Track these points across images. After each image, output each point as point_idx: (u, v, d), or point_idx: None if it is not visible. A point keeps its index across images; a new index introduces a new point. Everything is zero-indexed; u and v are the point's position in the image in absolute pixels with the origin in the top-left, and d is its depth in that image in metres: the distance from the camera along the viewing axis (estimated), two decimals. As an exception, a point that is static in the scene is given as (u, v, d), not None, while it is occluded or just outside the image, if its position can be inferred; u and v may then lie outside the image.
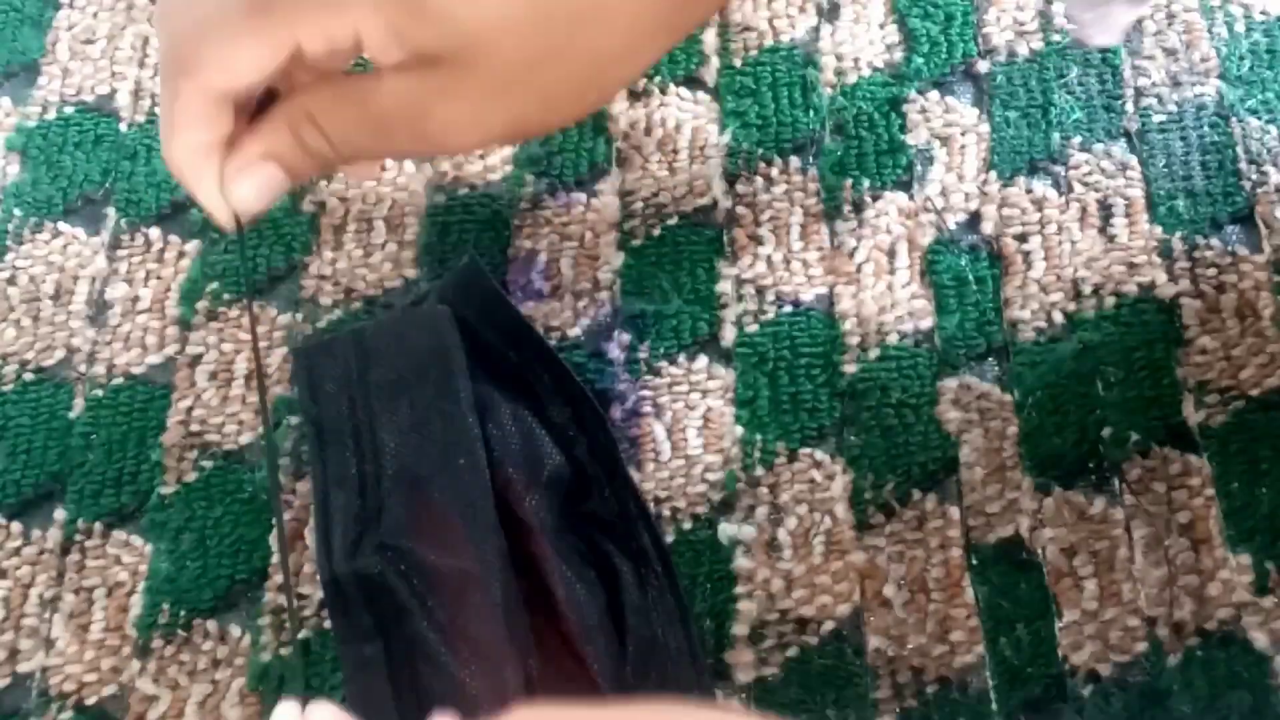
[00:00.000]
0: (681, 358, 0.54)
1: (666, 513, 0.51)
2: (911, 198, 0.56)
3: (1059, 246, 0.55)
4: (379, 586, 0.45)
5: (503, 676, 0.44)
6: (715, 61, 0.60)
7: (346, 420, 0.48)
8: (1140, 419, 0.51)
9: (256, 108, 0.38)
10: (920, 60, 0.59)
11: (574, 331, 0.55)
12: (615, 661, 0.46)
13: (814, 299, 0.55)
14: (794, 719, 0.46)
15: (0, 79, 0.64)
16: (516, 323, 0.51)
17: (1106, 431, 0.51)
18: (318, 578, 0.48)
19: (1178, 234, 0.54)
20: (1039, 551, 0.49)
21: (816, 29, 0.61)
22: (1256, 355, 0.52)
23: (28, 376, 0.56)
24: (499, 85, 0.35)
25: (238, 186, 0.37)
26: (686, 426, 0.53)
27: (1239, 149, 0.56)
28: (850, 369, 0.53)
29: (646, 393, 0.53)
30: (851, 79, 0.59)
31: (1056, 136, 0.57)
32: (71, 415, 0.55)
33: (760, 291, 0.55)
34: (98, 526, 0.53)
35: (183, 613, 0.51)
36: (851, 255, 0.55)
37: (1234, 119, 0.56)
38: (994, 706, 0.47)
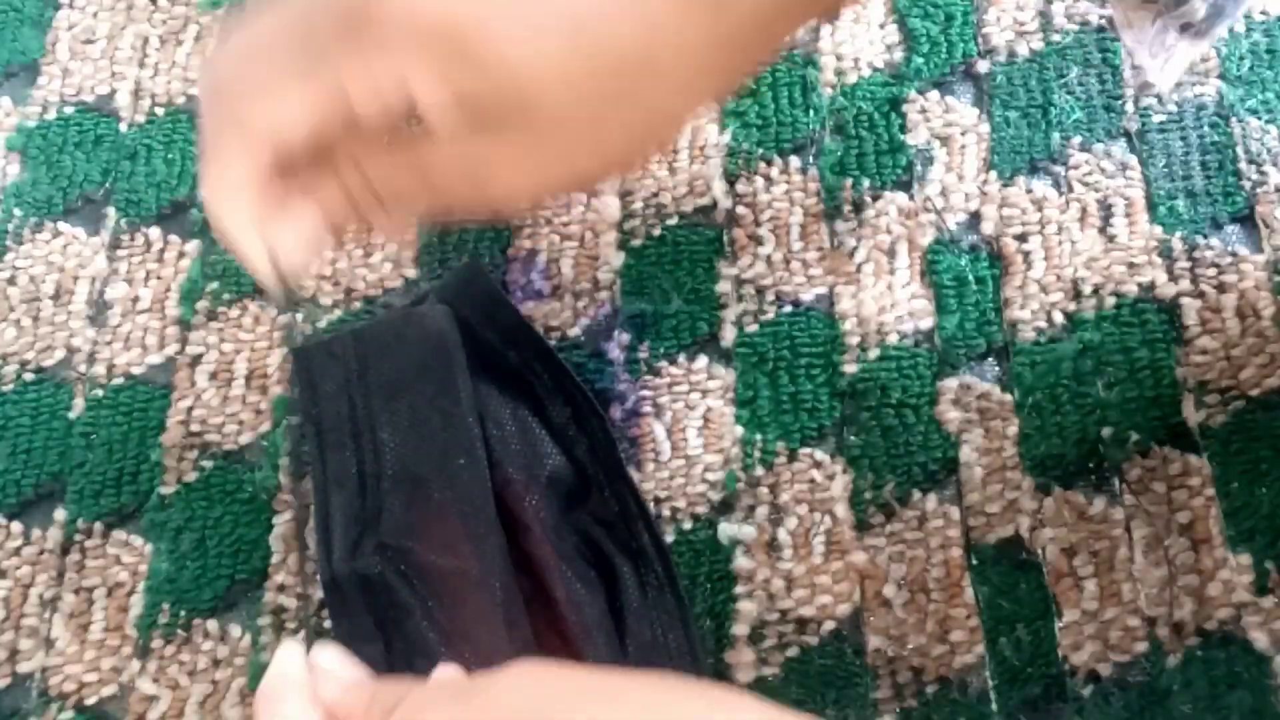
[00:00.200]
0: (681, 358, 0.54)
1: (666, 513, 0.51)
2: (911, 198, 0.56)
3: (1059, 246, 0.55)
4: (379, 586, 0.45)
5: None
6: (715, 61, 0.60)
7: (346, 420, 0.48)
8: (1140, 419, 0.51)
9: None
10: (920, 60, 0.59)
11: (574, 331, 0.55)
12: (615, 661, 0.46)
13: (814, 299, 0.55)
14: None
15: (0, 79, 0.64)
16: (516, 322, 0.51)
17: (1106, 431, 0.51)
18: (318, 578, 0.48)
19: (1178, 234, 0.54)
20: (1039, 551, 0.49)
21: (816, 29, 0.61)
22: (1256, 355, 0.52)
23: (28, 376, 0.56)
24: (554, 136, 0.34)
25: (283, 240, 0.36)
26: (686, 426, 0.53)
27: (1239, 149, 0.56)
28: (850, 369, 0.53)
29: (646, 393, 0.53)
30: (851, 79, 0.59)
31: (1056, 136, 0.57)
32: (71, 415, 0.55)
33: (760, 291, 0.55)
34: (98, 526, 0.53)
35: (183, 613, 0.51)
36: (851, 255, 0.55)
37: (1234, 119, 0.56)
38: (994, 706, 0.47)
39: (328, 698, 0.33)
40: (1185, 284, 0.53)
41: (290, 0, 0.33)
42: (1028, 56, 0.59)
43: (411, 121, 0.35)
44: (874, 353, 0.53)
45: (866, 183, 0.57)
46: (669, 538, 0.50)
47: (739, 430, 0.52)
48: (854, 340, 0.54)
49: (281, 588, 0.51)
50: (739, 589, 0.49)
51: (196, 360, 0.56)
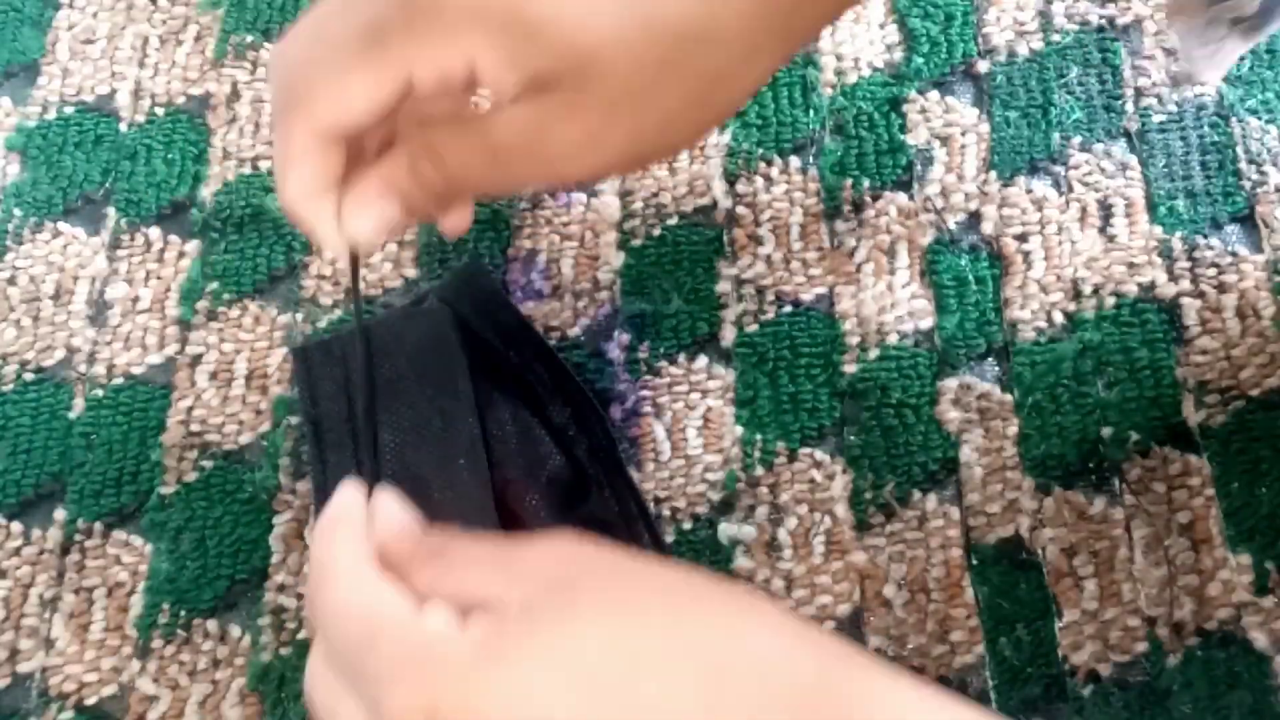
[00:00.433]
0: (681, 358, 0.54)
1: (666, 513, 0.51)
2: (911, 198, 0.56)
3: (1059, 246, 0.55)
4: None
5: None
6: (715, 61, 0.60)
7: (346, 420, 0.48)
8: (1140, 419, 0.51)
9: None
10: (920, 60, 0.59)
11: (574, 331, 0.55)
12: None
13: (814, 299, 0.55)
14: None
15: (0, 79, 0.64)
16: (517, 322, 0.51)
17: (1106, 431, 0.51)
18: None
19: (1178, 234, 0.54)
20: (1039, 551, 0.49)
21: (816, 29, 0.61)
22: (1256, 355, 0.52)
23: (28, 376, 0.56)
24: (616, 106, 0.34)
25: (354, 220, 0.36)
26: (686, 426, 0.53)
27: (1239, 149, 0.56)
28: (850, 369, 0.53)
29: (646, 393, 0.53)
30: (851, 79, 0.59)
31: (1056, 136, 0.57)
32: (71, 415, 0.55)
33: (760, 291, 0.55)
34: (98, 526, 0.53)
35: (183, 613, 0.51)
36: (851, 255, 0.55)
37: (1234, 119, 0.56)
38: (994, 706, 0.47)
39: (381, 537, 0.33)
40: (1185, 284, 0.53)
41: None
42: (1028, 56, 0.59)
43: (476, 99, 0.35)
44: (874, 353, 0.53)
45: (866, 183, 0.57)
46: (669, 538, 0.50)
47: (739, 430, 0.52)
48: (854, 340, 0.54)
49: (281, 588, 0.51)
50: (739, 589, 0.49)
51: (196, 360, 0.56)
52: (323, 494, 0.47)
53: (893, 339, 0.53)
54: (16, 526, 0.53)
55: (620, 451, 0.50)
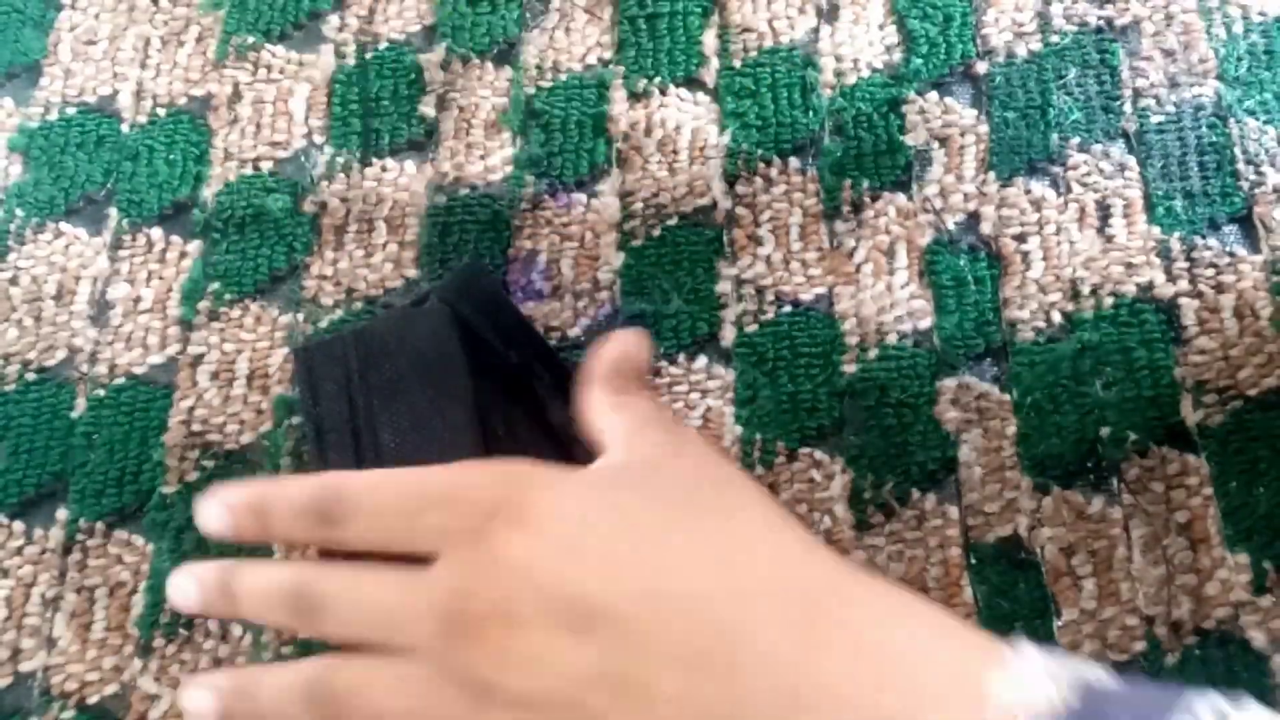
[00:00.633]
0: (681, 358, 0.54)
1: (666, 512, 0.51)
2: (910, 198, 0.56)
3: (1057, 247, 0.55)
4: None
5: None
6: (715, 62, 0.61)
7: (347, 421, 0.48)
8: (1138, 419, 0.51)
9: None
10: (919, 61, 0.59)
11: (574, 331, 0.55)
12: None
13: (813, 299, 0.55)
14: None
15: (2, 80, 0.64)
16: (517, 323, 0.51)
17: (1105, 431, 0.51)
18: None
19: (1176, 234, 0.55)
20: (1038, 551, 0.49)
21: (816, 30, 0.61)
22: (1254, 355, 0.52)
23: (30, 376, 0.56)
24: None
25: None
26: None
27: (1237, 150, 0.56)
28: (850, 369, 0.53)
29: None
30: (851, 80, 0.59)
31: (1055, 137, 0.57)
32: (73, 415, 0.55)
33: (760, 291, 0.55)
34: (99, 526, 0.53)
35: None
36: (851, 255, 0.56)
37: (1232, 120, 0.57)
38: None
39: None
40: (1183, 284, 0.54)
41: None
42: (1026, 57, 0.59)
43: None
44: (873, 353, 0.53)
45: (866, 183, 0.57)
46: (669, 537, 0.50)
47: (739, 430, 0.52)
48: (853, 340, 0.54)
49: (283, 587, 0.51)
50: (739, 588, 0.49)
51: (198, 360, 0.56)
52: None
53: (892, 339, 0.54)
54: (19, 526, 0.53)
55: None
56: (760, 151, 0.58)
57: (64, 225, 0.60)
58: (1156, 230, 0.55)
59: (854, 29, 0.60)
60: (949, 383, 0.53)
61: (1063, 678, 0.31)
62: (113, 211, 0.60)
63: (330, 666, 0.38)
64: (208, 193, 0.60)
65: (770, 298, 0.55)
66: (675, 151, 0.58)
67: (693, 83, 0.60)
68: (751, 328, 0.54)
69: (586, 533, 0.36)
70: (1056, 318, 0.53)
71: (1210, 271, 0.54)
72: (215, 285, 0.57)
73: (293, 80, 0.62)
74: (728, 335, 0.54)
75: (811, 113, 0.59)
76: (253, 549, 0.52)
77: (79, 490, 0.54)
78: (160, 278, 0.58)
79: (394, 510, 0.38)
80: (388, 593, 0.37)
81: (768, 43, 0.61)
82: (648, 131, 0.59)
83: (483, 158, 0.59)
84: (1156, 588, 0.48)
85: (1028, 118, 0.58)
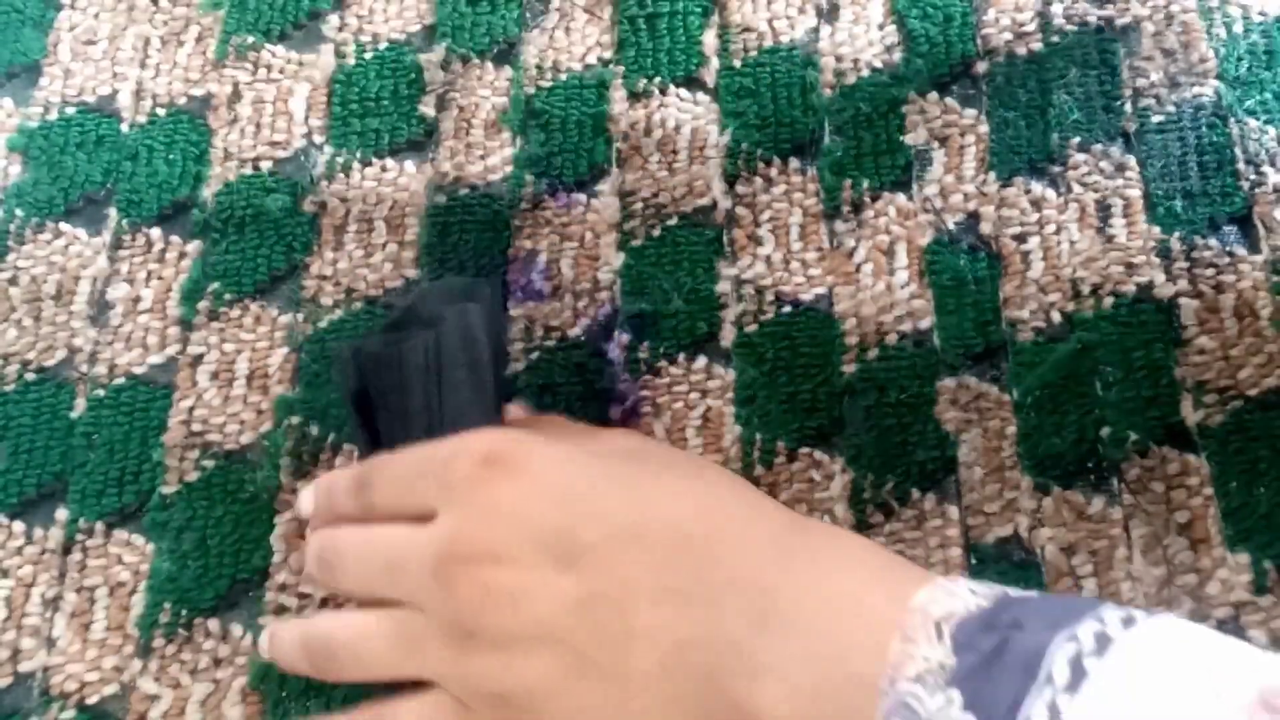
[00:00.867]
0: (681, 358, 0.54)
1: (666, 512, 0.51)
2: (910, 198, 0.56)
3: (1057, 247, 0.55)
4: None
5: None
6: (715, 62, 0.61)
7: (403, 430, 0.46)
8: (1139, 419, 0.51)
9: None
10: (919, 61, 0.59)
11: (574, 331, 0.55)
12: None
13: (813, 299, 0.55)
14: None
15: (2, 80, 0.64)
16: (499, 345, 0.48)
17: (1105, 431, 0.51)
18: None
19: (1176, 234, 0.55)
20: (1038, 550, 0.49)
21: (816, 30, 0.61)
22: (1254, 355, 0.52)
23: (29, 376, 0.56)
24: None
25: None
26: (686, 426, 0.53)
27: (1237, 149, 0.56)
28: (849, 369, 0.53)
29: (646, 393, 0.53)
30: (851, 79, 0.59)
31: (1055, 137, 0.57)
32: (73, 415, 0.55)
33: (760, 291, 0.55)
34: (99, 526, 0.53)
35: (184, 612, 0.51)
36: (851, 255, 0.55)
37: (1232, 119, 0.57)
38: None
39: None
40: (1183, 284, 0.53)
41: None
42: (1026, 57, 0.59)
43: None
44: (873, 353, 0.53)
45: (866, 183, 0.57)
46: (669, 537, 0.50)
47: (738, 430, 0.52)
48: (853, 340, 0.54)
49: (283, 587, 0.51)
50: (739, 588, 0.49)
51: (198, 360, 0.56)
52: None
53: (892, 339, 0.54)
54: (18, 526, 0.53)
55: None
56: (760, 151, 0.58)
57: (63, 225, 0.60)
58: (1157, 230, 0.55)
59: (854, 29, 0.60)
60: (949, 383, 0.53)
61: (985, 591, 0.34)
62: (112, 211, 0.60)
63: (332, 619, 0.41)
64: (207, 192, 0.60)
65: (770, 298, 0.55)
66: (675, 151, 0.58)
67: (693, 82, 0.60)
68: (751, 328, 0.54)
69: (575, 480, 0.38)
70: (1056, 318, 0.53)
71: (1210, 271, 0.54)
72: (215, 285, 0.57)
73: (292, 80, 0.62)
74: (728, 335, 0.54)
75: (811, 112, 0.59)
76: (252, 548, 0.52)
77: (79, 490, 0.54)
78: (160, 278, 0.58)
79: (404, 474, 0.41)
80: (391, 544, 0.39)
81: (768, 42, 0.61)
82: (648, 131, 0.59)
83: (483, 157, 0.59)
84: (1157, 588, 0.48)
85: (1028, 117, 0.58)
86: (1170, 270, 0.54)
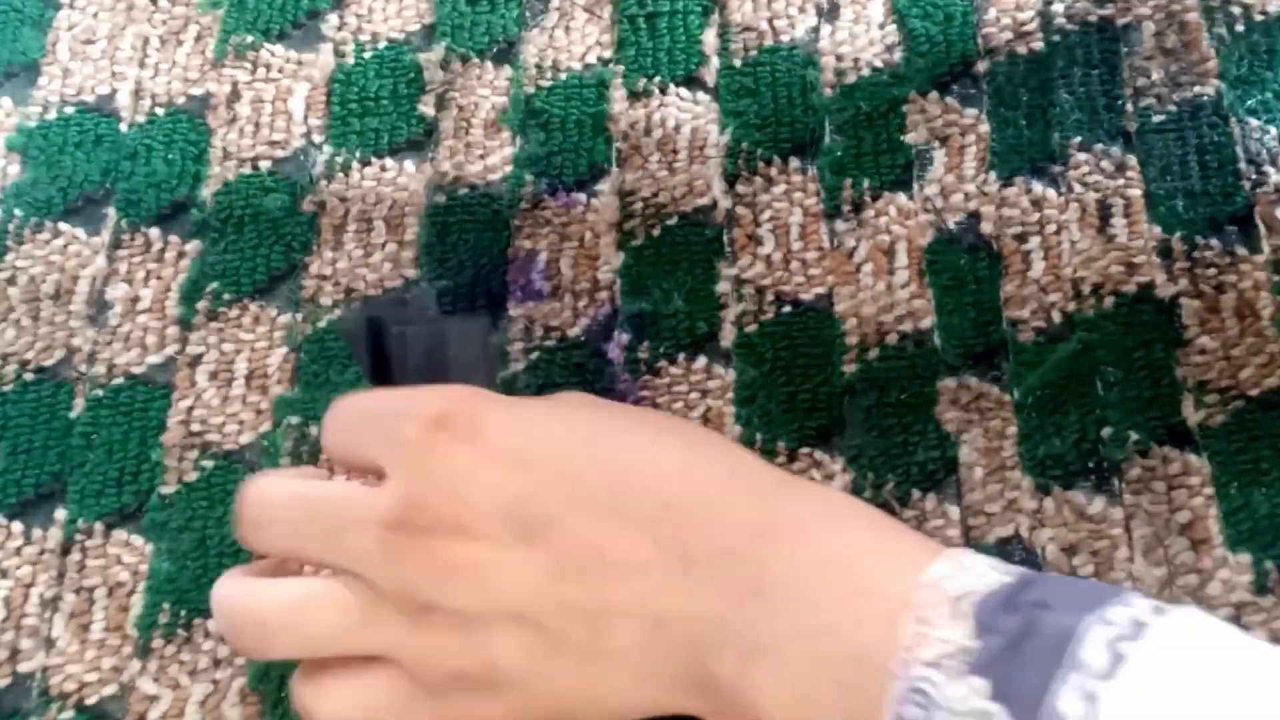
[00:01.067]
0: (681, 358, 0.54)
1: (666, 512, 0.51)
2: (911, 198, 0.56)
3: (1058, 246, 0.55)
4: None
5: None
6: (715, 61, 0.60)
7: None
8: (1140, 419, 0.51)
9: None
10: (920, 60, 0.59)
11: (574, 331, 0.55)
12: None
13: (813, 299, 0.55)
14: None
15: (0, 79, 0.64)
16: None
17: (1106, 431, 0.51)
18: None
19: (1177, 234, 0.54)
20: (1039, 551, 0.49)
21: (816, 29, 0.61)
22: (1256, 355, 0.52)
23: (28, 376, 0.56)
24: None
25: None
26: (686, 426, 0.53)
27: (1238, 149, 0.56)
28: (850, 369, 0.53)
29: (646, 393, 0.53)
30: (851, 79, 0.59)
31: (1056, 136, 0.57)
32: (72, 415, 0.55)
33: (760, 291, 0.55)
34: (98, 526, 0.53)
35: (183, 612, 0.51)
36: (851, 255, 0.55)
37: (1233, 119, 0.56)
38: (994, 706, 0.47)
39: None
40: (1184, 284, 0.53)
41: None
42: (1027, 56, 0.59)
43: None
44: (873, 353, 0.53)
45: (866, 182, 0.57)
46: (669, 537, 0.50)
47: (739, 430, 0.52)
48: (853, 340, 0.54)
49: (282, 587, 0.51)
50: (739, 589, 0.49)
51: (197, 360, 0.56)
52: None
53: (892, 339, 0.53)
54: (17, 526, 0.53)
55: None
56: (760, 151, 0.58)
57: (62, 225, 0.59)
58: (1157, 230, 0.55)
59: (854, 28, 0.60)
60: (949, 383, 0.53)
61: (1004, 568, 0.31)
62: (111, 211, 0.60)
63: (262, 585, 0.37)
64: (206, 192, 0.60)
65: (770, 297, 0.55)
66: (675, 151, 0.58)
67: (693, 82, 0.60)
68: (751, 328, 0.54)
69: (538, 443, 0.35)
70: (1057, 317, 0.53)
71: (1212, 271, 0.54)
72: (214, 285, 0.57)
73: (292, 79, 0.62)
74: (728, 335, 0.54)
75: (812, 112, 0.59)
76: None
77: (77, 490, 0.54)
78: (159, 277, 0.58)
79: (352, 422, 0.37)
80: (331, 506, 0.36)
81: (768, 41, 0.61)
82: (648, 131, 0.59)
83: (482, 157, 0.59)
84: (1158, 588, 0.48)
85: (1029, 117, 0.58)
86: (1171, 270, 0.54)
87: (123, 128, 0.62)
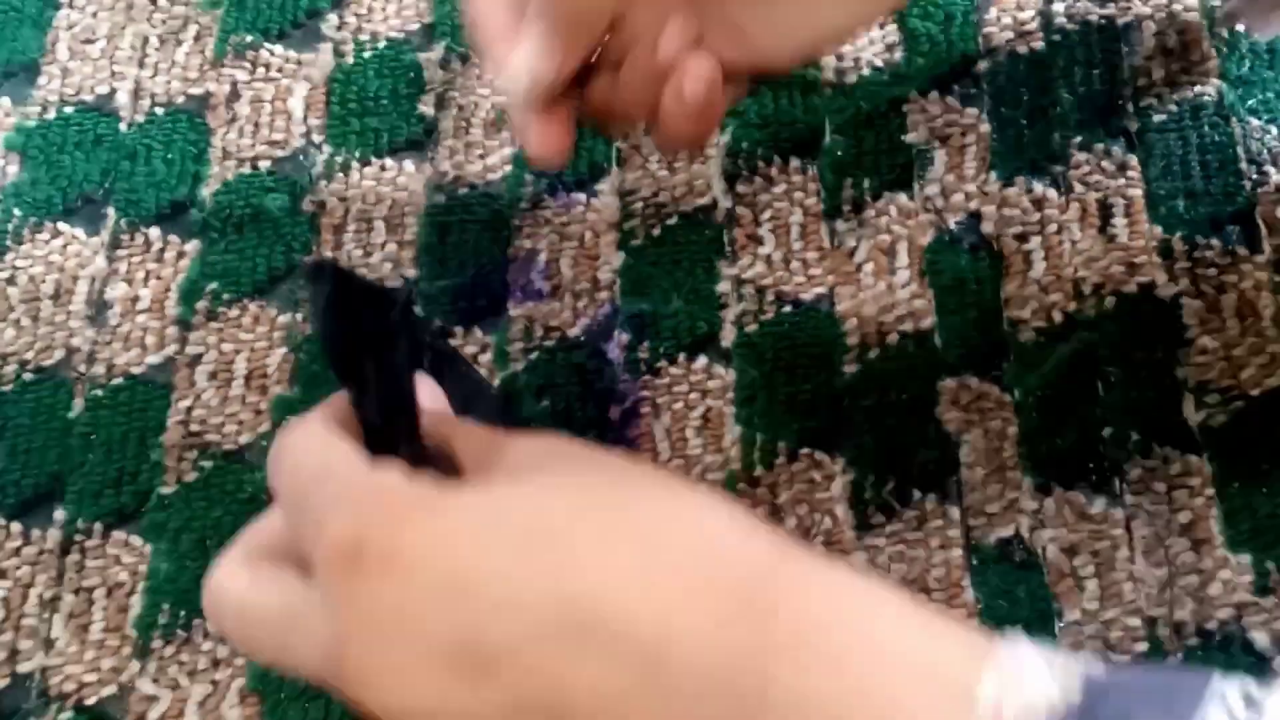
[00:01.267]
0: (681, 358, 0.54)
1: (666, 513, 0.51)
2: (912, 197, 0.56)
3: (1059, 246, 0.55)
4: None
5: None
6: (715, 61, 0.60)
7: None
8: (1140, 419, 0.51)
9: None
10: (920, 60, 0.59)
11: (574, 331, 0.55)
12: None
13: (814, 299, 0.55)
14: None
15: (0, 79, 0.64)
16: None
17: (1107, 431, 0.51)
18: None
19: (1178, 234, 0.54)
20: (1039, 551, 0.49)
21: (816, 29, 0.60)
22: (1257, 355, 0.52)
23: (27, 376, 0.56)
24: None
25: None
26: (686, 426, 0.53)
27: (1239, 149, 0.56)
28: (850, 369, 0.53)
29: (646, 393, 0.53)
30: (852, 79, 0.59)
31: (1056, 136, 0.57)
32: (71, 415, 0.55)
33: (760, 291, 0.55)
34: (97, 527, 0.53)
35: (182, 613, 0.51)
36: (851, 255, 0.55)
37: (1234, 119, 0.56)
38: (994, 707, 0.47)
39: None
40: (1185, 284, 0.53)
41: None
42: (1028, 56, 0.59)
43: None
44: (874, 353, 0.53)
45: (867, 182, 0.57)
46: (669, 538, 0.50)
47: (739, 430, 0.52)
48: (854, 340, 0.54)
49: (281, 588, 0.51)
50: (739, 589, 0.49)
51: (196, 360, 0.56)
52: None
53: (893, 339, 0.53)
54: (16, 527, 0.53)
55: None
56: (761, 150, 0.58)
57: (62, 225, 0.59)
58: (1158, 230, 0.55)
59: (855, 28, 0.60)
60: (949, 383, 0.53)
61: (1064, 673, 0.27)
62: (110, 211, 0.59)
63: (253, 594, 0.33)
64: (206, 192, 0.59)
65: (770, 297, 0.55)
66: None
67: (693, 82, 0.60)
68: (751, 328, 0.54)
69: (471, 564, 0.30)
70: (1058, 317, 0.53)
71: (1212, 271, 0.53)
72: (213, 285, 0.57)
73: (291, 79, 0.62)
74: (728, 335, 0.54)
75: (812, 111, 0.59)
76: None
77: (77, 491, 0.53)
78: (158, 277, 0.58)
79: (293, 491, 0.34)
80: (281, 613, 0.32)
81: (768, 41, 0.60)
82: (648, 130, 0.59)
83: (482, 157, 0.59)
84: (1159, 589, 0.48)
85: (1029, 117, 0.57)
86: (1172, 270, 0.54)
87: (122, 127, 0.62)
